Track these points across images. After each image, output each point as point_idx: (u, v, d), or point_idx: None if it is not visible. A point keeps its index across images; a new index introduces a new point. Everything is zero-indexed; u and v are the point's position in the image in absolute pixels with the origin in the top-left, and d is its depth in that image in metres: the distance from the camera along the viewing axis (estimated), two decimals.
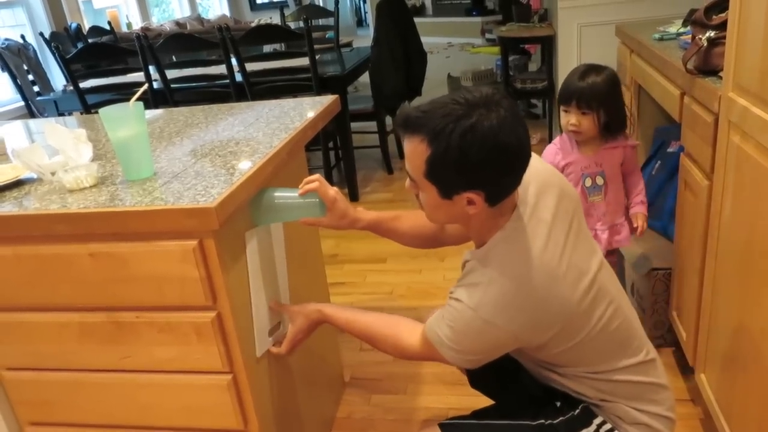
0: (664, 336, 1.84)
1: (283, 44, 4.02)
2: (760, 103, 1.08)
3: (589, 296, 1.03)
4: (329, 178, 3.36)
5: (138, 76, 3.14)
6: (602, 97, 1.55)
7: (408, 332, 1.18)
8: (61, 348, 1.19)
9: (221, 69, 3.08)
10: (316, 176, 1.23)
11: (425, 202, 1.04)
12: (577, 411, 1.12)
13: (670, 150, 2.04)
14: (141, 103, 1.15)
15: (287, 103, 1.67)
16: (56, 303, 1.15)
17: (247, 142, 1.34)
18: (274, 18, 5.19)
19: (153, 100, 3.10)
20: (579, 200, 1.13)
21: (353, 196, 3.32)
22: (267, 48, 3.89)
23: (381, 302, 2.31)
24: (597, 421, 1.11)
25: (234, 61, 3.03)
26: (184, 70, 3.25)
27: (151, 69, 3.14)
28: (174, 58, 3.45)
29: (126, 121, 1.14)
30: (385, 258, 2.64)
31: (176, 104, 3.12)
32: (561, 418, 1.12)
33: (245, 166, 1.17)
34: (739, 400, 1.25)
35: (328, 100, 1.65)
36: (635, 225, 1.68)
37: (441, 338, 1.07)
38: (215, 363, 1.13)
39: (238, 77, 3.08)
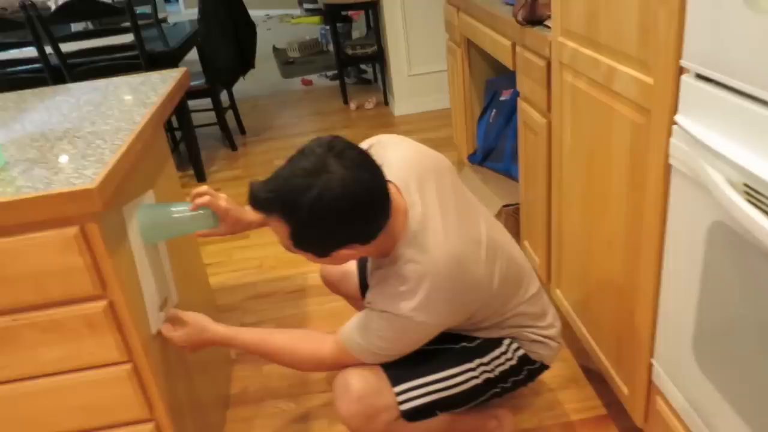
0: None
1: (90, 23, 3.69)
2: (588, 44, 1.25)
3: (489, 260, 1.13)
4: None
5: None
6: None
7: (315, 347, 1.20)
8: None
9: (24, 52, 2.76)
10: (205, 188, 1.21)
11: (311, 260, 1.07)
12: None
13: (502, 98, 2.24)
14: None
15: (134, 79, 1.57)
16: None
17: (105, 120, 1.25)
18: None
19: None
20: (448, 162, 1.21)
21: (200, 177, 3.20)
22: (76, 27, 3.54)
23: (252, 276, 2.29)
24: (507, 341, 1.26)
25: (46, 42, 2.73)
26: None
27: None
28: None
29: None
30: (247, 234, 2.61)
31: None
32: (478, 341, 1.25)
33: (115, 144, 1.10)
34: (591, 303, 1.46)
35: (178, 72, 1.58)
36: None
37: (369, 349, 1.12)
38: (111, 354, 1.07)
39: (53, 60, 2.79)
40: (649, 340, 1.19)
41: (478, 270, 1.10)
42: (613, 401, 1.54)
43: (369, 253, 1.09)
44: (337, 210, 0.95)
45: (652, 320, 1.16)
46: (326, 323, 1.97)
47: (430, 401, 1.19)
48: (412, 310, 1.05)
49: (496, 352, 1.25)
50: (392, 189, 1.09)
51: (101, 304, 1.03)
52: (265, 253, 2.45)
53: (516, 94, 1.80)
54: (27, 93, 1.58)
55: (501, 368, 1.26)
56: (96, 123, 1.24)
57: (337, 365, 1.18)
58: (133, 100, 1.37)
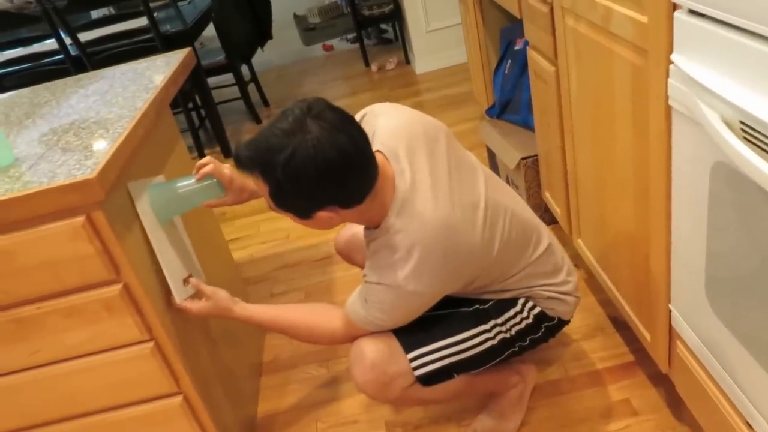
0: (542, 216, 2.02)
1: (111, 8, 3.73)
2: None
3: (487, 224, 1.11)
4: (197, 140, 3.25)
5: None
6: None
7: (327, 320, 1.23)
8: None
9: (47, 45, 2.83)
10: (208, 158, 1.23)
11: (295, 222, 1.09)
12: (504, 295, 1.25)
13: (517, 48, 2.18)
14: None
15: (139, 65, 1.59)
16: None
17: (109, 109, 1.28)
18: None
19: None
20: (443, 127, 1.18)
21: (227, 153, 3.24)
22: (95, 14, 3.60)
23: (280, 247, 2.33)
24: (521, 300, 1.25)
25: (64, 33, 2.79)
26: (5, 52, 2.95)
27: None
28: None
29: None
30: None
31: (4, 90, 2.84)
32: (491, 302, 1.25)
33: (116, 132, 1.13)
34: (610, 251, 1.44)
35: (182, 53, 1.59)
36: None
37: (370, 320, 1.14)
38: (133, 334, 1.12)
39: (72, 50, 2.85)
40: (666, 285, 1.16)
41: (473, 235, 1.09)
42: (639, 348, 1.53)
43: (354, 219, 1.09)
44: (311, 170, 0.95)
45: (667, 265, 1.14)
46: (352, 289, 2.00)
47: (445, 365, 1.20)
48: (404, 279, 1.05)
49: (511, 312, 1.25)
50: (380, 158, 1.08)
51: (117, 287, 1.07)
52: (292, 223, 2.48)
53: (527, 42, 1.75)
54: (40, 87, 1.63)
55: (517, 327, 1.25)
56: (100, 112, 1.27)
57: (350, 337, 1.20)
58: (137, 86, 1.39)
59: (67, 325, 1.10)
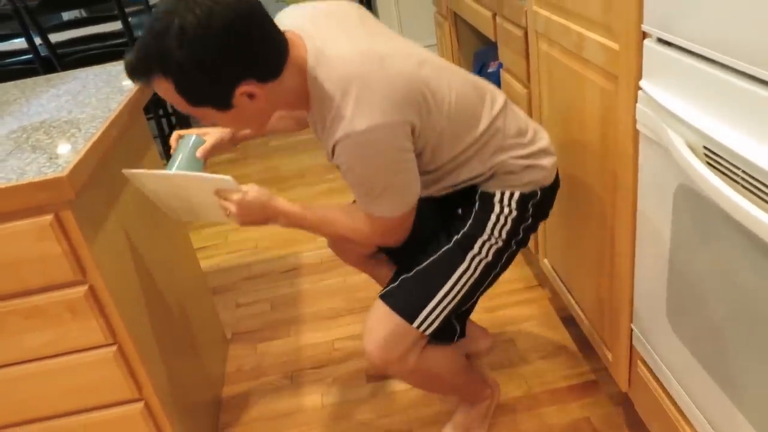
0: None
1: (83, 11, 3.69)
2: (558, 11, 1.24)
3: (425, 65, 1.03)
4: (167, 146, 3.21)
5: None
6: None
7: (355, 216, 1.13)
8: None
9: (16, 44, 2.78)
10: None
11: (221, 122, 1.00)
12: (477, 203, 1.17)
13: (490, 70, 2.22)
14: None
15: (113, 68, 1.58)
16: None
17: (81, 109, 1.26)
18: None
19: None
20: (357, 5, 1.13)
21: None
22: (66, 15, 3.55)
23: (247, 257, 2.31)
24: (497, 197, 1.16)
25: (34, 33, 2.74)
26: None
27: None
28: None
29: None
30: None
31: None
32: (469, 221, 1.17)
33: (89, 132, 1.11)
34: (575, 271, 1.47)
35: None
36: None
37: (363, 194, 1.05)
38: (96, 337, 1.10)
39: (42, 51, 2.80)
40: (628, 306, 1.20)
41: (405, 65, 1.00)
42: (601, 367, 1.56)
43: (281, 101, 1.01)
44: (208, 39, 0.86)
45: (630, 285, 1.17)
46: (319, 301, 2.00)
47: (453, 307, 1.18)
48: (352, 121, 0.95)
49: (492, 219, 1.16)
50: (288, 35, 1.00)
51: (82, 289, 1.05)
52: (260, 234, 2.47)
53: (501, 65, 1.79)
54: (9, 85, 1.59)
55: (505, 230, 1.17)
56: (72, 112, 1.25)
57: (371, 232, 1.11)
58: (110, 88, 1.37)
59: (28, 327, 1.07)
